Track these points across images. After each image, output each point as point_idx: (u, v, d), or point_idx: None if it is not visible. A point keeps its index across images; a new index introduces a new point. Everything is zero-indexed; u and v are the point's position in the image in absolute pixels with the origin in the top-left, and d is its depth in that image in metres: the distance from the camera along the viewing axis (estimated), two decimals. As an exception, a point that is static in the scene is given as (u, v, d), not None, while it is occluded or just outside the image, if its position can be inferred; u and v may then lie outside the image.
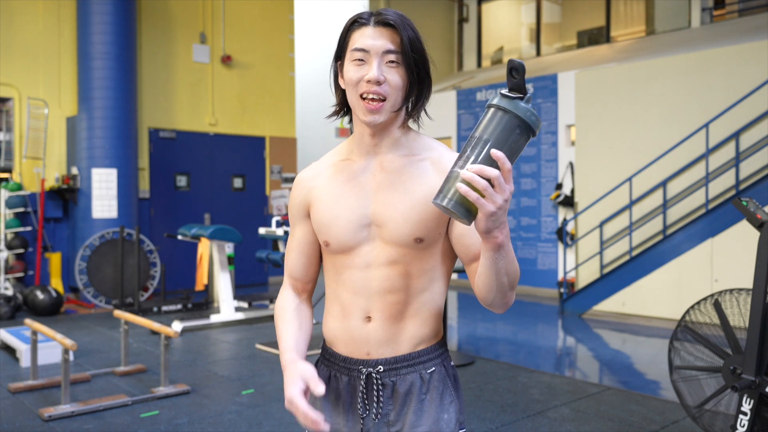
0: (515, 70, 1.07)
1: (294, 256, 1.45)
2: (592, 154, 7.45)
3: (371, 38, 1.26)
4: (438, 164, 1.32)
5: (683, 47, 7.66)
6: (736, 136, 6.36)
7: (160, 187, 8.56)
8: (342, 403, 1.38)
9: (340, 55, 1.32)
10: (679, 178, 6.79)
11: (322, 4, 11.79)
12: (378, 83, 1.25)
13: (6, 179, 7.69)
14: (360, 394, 1.35)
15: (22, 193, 7.39)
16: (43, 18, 7.78)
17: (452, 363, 1.40)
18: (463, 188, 1.01)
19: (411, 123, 1.37)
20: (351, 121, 1.38)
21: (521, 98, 1.07)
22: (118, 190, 7.53)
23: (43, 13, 7.77)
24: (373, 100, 1.25)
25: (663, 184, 6.80)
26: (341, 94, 1.35)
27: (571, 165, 8.16)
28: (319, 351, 1.47)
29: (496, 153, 1.02)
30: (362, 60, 1.26)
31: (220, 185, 9.11)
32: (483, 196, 1.02)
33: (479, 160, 1.04)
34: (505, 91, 1.08)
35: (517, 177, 8.76)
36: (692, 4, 8.87)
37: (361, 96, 1.27)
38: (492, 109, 1.07)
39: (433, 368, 1.35)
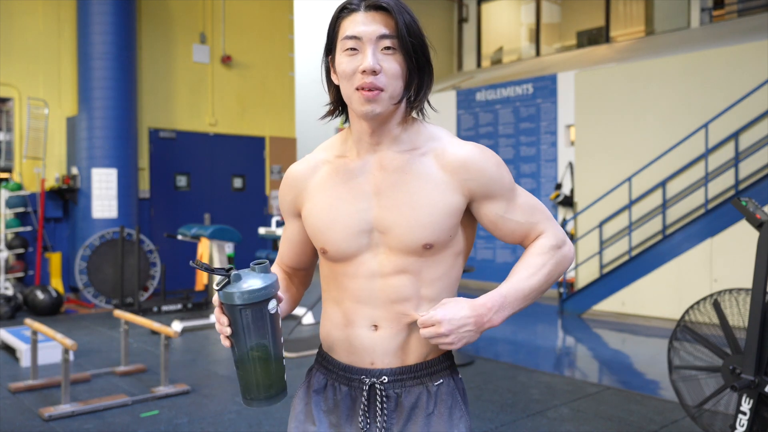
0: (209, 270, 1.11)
1: (286, 248, 1.40)
2: (591, 154, 7.46)
3: (363, 24, 1.15)
4: (441, 158, 1.21)
5: (682, 47, 7.67)
6: (735, 136, 6.37)
7: (160, 187, 8.56)
8: (341, 415, 1.28)
9: (330, 48, 1.22)
10: (679, 178, 6.79)
11: (322, 4, 11.80)
12: (374, 73, 1.14)
13: (6, 179, 7.70)
14: (361, 406, 1.25)
15: (22, 193, 7.39)
16: (43, 18, 7.78)
17: (460, 375, 1.32)
18: None
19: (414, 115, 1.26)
20: (347, 120, 1.28)
21: (228, 281, 1.10)
22: (118, 190, 7.54)
23: (43, 13, 7.77)
24: (370, 90, 1.15)
25: (662, 184, 6.80)
26: (335, 91, 1.25)
27: (571, 165, 8.17)
28: (316, 352, 1.39)
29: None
30: (355, 49, 1.15)
31: (220, 185, 9.11)
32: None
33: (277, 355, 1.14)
34: (220, 287, 1.10)
35: (516, 177, 8.77)
36: (692, 5, 8.87)
37: (356, 89, 1.16)
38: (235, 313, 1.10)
39: (441, 380, 1.26)
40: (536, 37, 10.73)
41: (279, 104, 9.70)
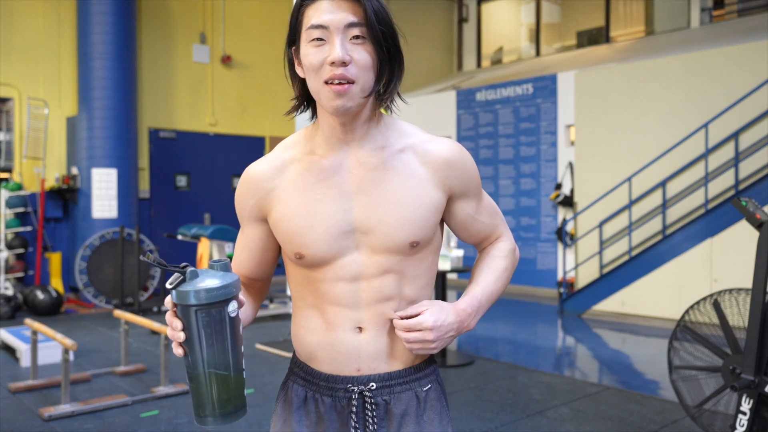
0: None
1: (246, 257, 1.26)
2: (591, 154, 7.46)
3: (329, 12, 1.07)
4: (422, 154, 1.17)
5: (682, 47, 7.67)
6: (735, 136, 6.37)
7: (160, 187, 8.57)
8: (326, 429, 1.20)
9: (293, 39, 1.15)
10: (679, 178, 6.79)
11: (322, 4, 11.80)
12: (344, 64, 1.06)
13: (6, 179, 7.70)
14: (352, 417, 1.18)
15: (22, 193, 7.39)
16: (43, 18, 7.78)
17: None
18: None
19: (384, 109, 1.20)
20: (314, 116, 1.22)
21: (183, 279, 0.98)
22: (118, 190, 7.54)
23: (43, 13, 7.77)
24: (340, 84, 1.07)
25: (662, 184, 6.80)
26: (300, 84, 1.19)
27: (571, 165, 8.17)
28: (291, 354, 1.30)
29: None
30: (321, 39, 1.08)
31: (220, 185, 9.12)
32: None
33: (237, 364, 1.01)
34: (173, 285, 0.98)
35: (516, 177, 8.77)
36: (692, 5, 8.87)
37: (325, 82, 1.09)
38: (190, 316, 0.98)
39: (429, 385, 1.23)
40: (536, 37, 10.73)
41: (279, 104, 9.70)
